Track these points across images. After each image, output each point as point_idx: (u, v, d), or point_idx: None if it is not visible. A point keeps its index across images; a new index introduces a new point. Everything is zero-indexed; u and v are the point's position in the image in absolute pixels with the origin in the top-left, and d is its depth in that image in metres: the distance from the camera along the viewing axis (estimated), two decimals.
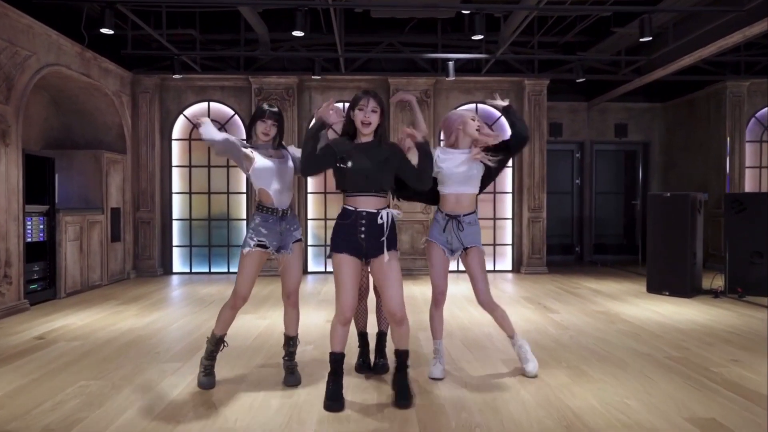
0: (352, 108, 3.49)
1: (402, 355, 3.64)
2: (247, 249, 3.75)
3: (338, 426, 3.24)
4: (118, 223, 9.27)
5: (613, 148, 12.62)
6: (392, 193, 3.90)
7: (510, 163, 10.58)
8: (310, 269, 10.33)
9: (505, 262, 10.64)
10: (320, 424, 3.26)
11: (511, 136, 4.10)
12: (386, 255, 3.46)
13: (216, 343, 3.98)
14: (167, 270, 10.26)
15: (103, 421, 3.27)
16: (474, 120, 4.05)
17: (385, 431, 3.16)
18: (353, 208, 3.46)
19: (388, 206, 3.57)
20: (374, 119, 3.46)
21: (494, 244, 10.60)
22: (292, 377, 3.97)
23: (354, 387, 3.94)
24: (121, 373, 4.22)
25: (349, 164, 3.40)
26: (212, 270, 10.33)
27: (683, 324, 5.93)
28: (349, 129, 3.55)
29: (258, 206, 3.81)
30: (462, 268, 10.23)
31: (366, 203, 3.45)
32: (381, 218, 3.44)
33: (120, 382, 3.98)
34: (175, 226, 10.35)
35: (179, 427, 3.19)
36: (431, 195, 4.10)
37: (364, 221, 3.43)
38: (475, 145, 4.02)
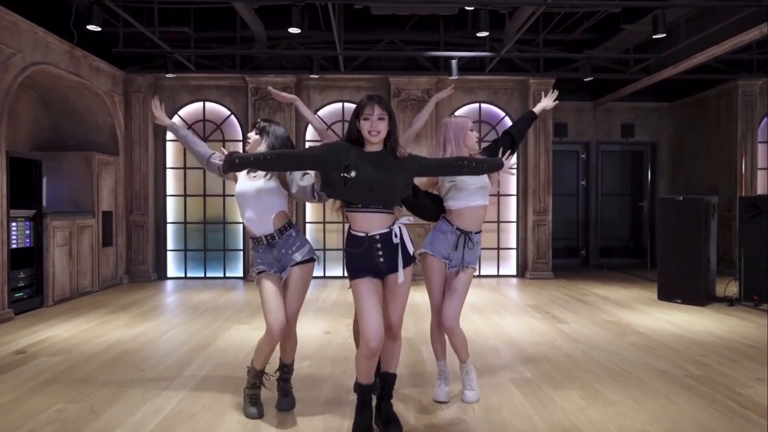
0: (356, 117, 3.12)
1: (390, 379, 3.33)
2: (255, 278, 3.55)
3: None
4: (110, 227, 8.97)
5: (619, 148, 12.31)
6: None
7: (514, 164, 10.30)
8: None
9: (510, 266, 10.33)
10: None
11: (516, 139, 3.93)
12: (401, 274, 3.13)
13: (256, 375, 3.60)
14: (161, 275, 9.96)
15: None
16: (473, 130, 3.79)
17: None
18: (363, 234, 3.09)
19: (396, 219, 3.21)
20: (382, 128, 3.07)
21: (498, 248, 10.30)
22: (285, 400, 3.65)
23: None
24: (102, 394, 3.91)
25: (353, 174, 2.99)
26: (208, 275, 10.03)
27: (700, 336, 5.62)
28: (352, 136, 3.16)
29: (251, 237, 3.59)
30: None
31: (375, 223, 3.08)
32: (396, 236, 3.11)
33: (99, 405, 3.68)
34: (170, 229, 10.05)
35: None
36: (435, 210, 3.80)
37: (380, 245, 3.10)
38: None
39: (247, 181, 3.49)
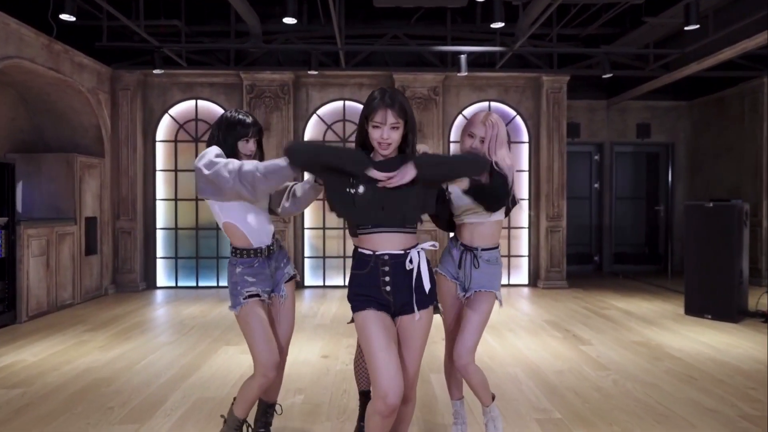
0: (365, 119, 2.46)
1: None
2: (238, 308, 2.85)
3: None
4: (94, 234, 8.37)
5: (634, 149, 11.69)
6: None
7: (526, 167, 9.72)
8: (306, 283, 9.43)
9: (521, 275, 9.72)
10: None
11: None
12: (417, 313, 2.46)
13: (237, 427, 2.98)
14: (150, 284, 9.36)
15: None
16: (472, 136, 3.05)
17: None
18: (370, 252, 2.46)
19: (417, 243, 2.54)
20: (395, 138, 2.43)
21: (509, 256, 9.69)
22: None
23: None
24: None
25: (361, 189, 2.38)
26: (200, 284, 9.43)
27: (743, 362, 5.01)
28: (360, 139, 2.54)
29: (233, 251, 2.90)
30: None
31: (387, 243, 2.44)
32: (410, 262, 2.44)
33: None
34: (159, 235, 9.44)
35: None
36: (448, 221, 3.17)
37: (387, 268, 2.43)
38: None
39: None
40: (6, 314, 6.48)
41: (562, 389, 4.31)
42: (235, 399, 2.96)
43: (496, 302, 3.06)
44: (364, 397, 3.36)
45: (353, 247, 2.81)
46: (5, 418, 3.71)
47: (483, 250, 3.04)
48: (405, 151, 2.50)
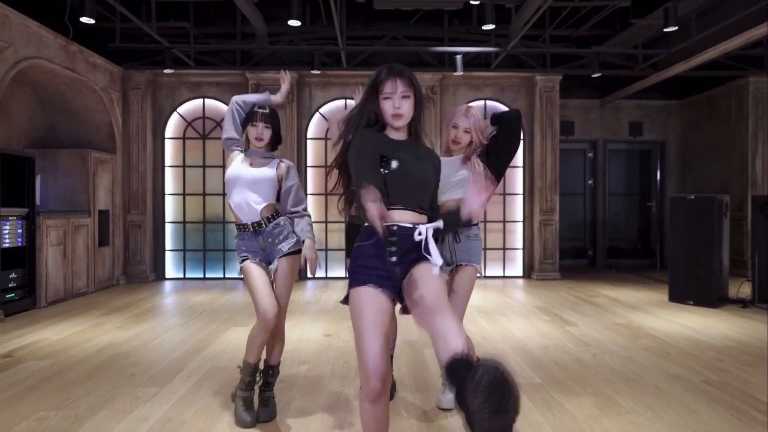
0: (374, 92, 2.38)
1: None
2: (239, 267, 3.39)
3: None
4: (106, 226, 8.77)
5: (627, 147, 12.07)
6: None
7: (520, 162, 10.10)
8: (309, 274, 9.80)
9: (516, 267, 10.10)
10: None
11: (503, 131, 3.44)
12: (436, 258, 2.31)
13: (251, 372, 3.38)
14: (159, 275, 9.76)
15: None
16: (455, 127, 3.43)
17: None
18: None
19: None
20: (407, 109, 2.36)
21: (504, 249, 10.07)
22: (265, 411, 3.40)
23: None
24: (89, 400, 3.71)
25: (394, 165, 2.29)
26: (207, 275, 9.83)
27: (715, 339, 5.39)
28: (370, 117, 2.42)
29: (235, 225, 3.45)
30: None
31: (398, 217, 2.32)
32: (419, 233, 2.32)
33: (84, 413, 3.47)
34: (168, 229, 9.85)
35: None
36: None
37: (395, 238, 2.29)
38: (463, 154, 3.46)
39: (242, 166, 3.34)
40: (26, 299, 6.88)
41: (545, 361, 4.69)
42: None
43: (477, 275, 3.45)
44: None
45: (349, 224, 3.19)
46: (39, 383, 4.10)
47: (463, 226, 3.33)
48: (413, 132, 2.45)
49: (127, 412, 3.51)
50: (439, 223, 2.40)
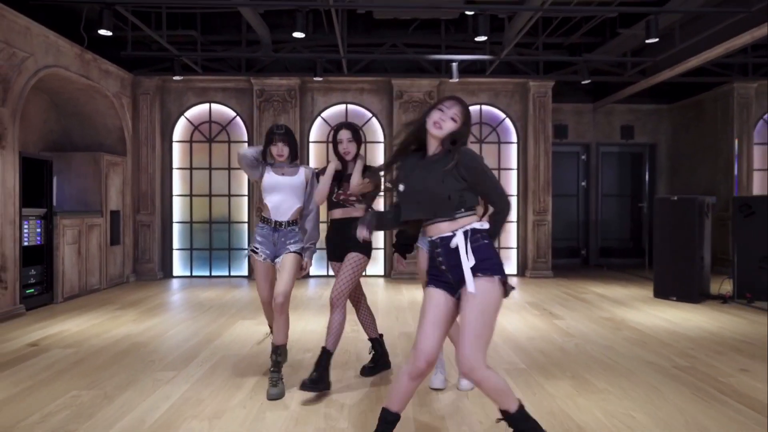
0: (432, 107, 2.78)
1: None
2: (249, 250, 4.13)
3: None
4: (117, 226, 9.17)
5: (619, 150, 12.47)
6: None
7: (514, 165, 10.50)
8: (312, 272, 10.22)
9: (510, 266, 10.49)
10: None
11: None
12: (470, 285, 2.60)
13: (274, 351, 4.01)
14: (167, 273, 10.16)
15: None
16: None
17: None
18: (428, 237, 2.78)
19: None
20: (449, 126, 2.71)
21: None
22: (274, 390, 3.83)
23: (354, 397, 3.82)
24: (114, 382, 4.11)
25: (401, 188, 2.77)
26: (213, 273, 10.23)
27: (691, 331, 5.79)
28: (420, 135, 2.82)
29: (259, 214, 4.02)
30: None
31: (436, 230, 2.71)
32: (453, 243, 2.65)
33: (112, 392, 3.87)
34: (176, 229, 10.26)
35: None
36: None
37: (440, 249, 2.70)
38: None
39: (276, 176, 4.03)
40: (45, 295, 7.28)
41: (530, 349, 5.09)
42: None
43: None
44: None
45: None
46: (66, 368, 4.49)
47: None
48: (447, 143, 2.73)
49: (149, 391, 3.91)
50: (477, 224, 2.69)
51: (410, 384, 2.68)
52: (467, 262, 2.61)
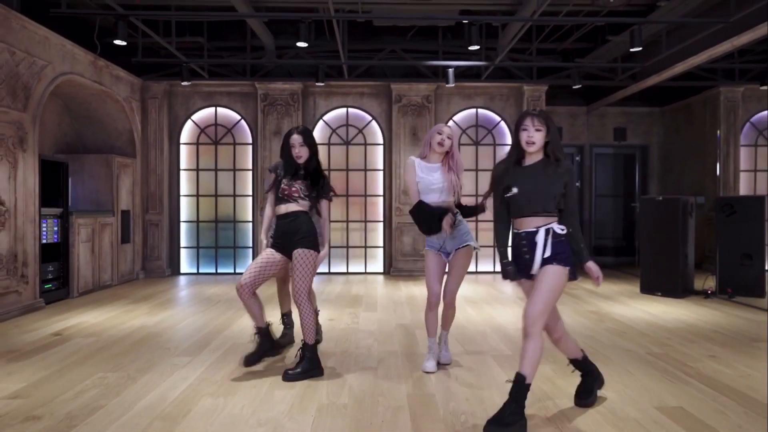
0: (516, 130, 3.42)
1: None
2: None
3: (335, 413, 3.52)
4: (127, 225, 9.57)
5: (612, 151, 12.86)
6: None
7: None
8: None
9: None
10: (319, 412, 3.54)
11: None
12: (536, 267, 3.37)
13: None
14: (175, 270, 10.57)
15: (121, 408, 3.56)
16: (440, 133, 4.34)
17: (379, 419, 3.43)
18: (516, 231, 3.47)
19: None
20: (538, 138, 3.34)
21: (494, 246, 10.85)
22: (282, 339, 5.08)
23: (353, 378, 4.21)
24: (136, 366, 4.51)
25: (514, 191, 3.37)
26: (219, 271, 10.63)
27: (670, 323, 6.19)
28: (516, 152, 3.44)
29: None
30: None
31: (528, 224, 3.39)
32: (537, 237, 3.36)
33: (135, 374, 4.27)
34: (183, 227, 10.66)
35: (191, 414, 3.47)
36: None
37: (525, 241, 3.41)
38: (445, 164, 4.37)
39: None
40: (61, 290, 7.68)
41: (517, 338, 5.46)
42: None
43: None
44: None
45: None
46: (90, 354, 4.89)
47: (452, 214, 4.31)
48: (548, 154, 3.39)
49: (168, 373, 4.31)
50: (557, 227, 3.38)
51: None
52: (542, 250, 3.35)
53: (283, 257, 4.40)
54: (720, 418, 3.42)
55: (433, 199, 4.31)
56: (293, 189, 4.33)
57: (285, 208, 4.37)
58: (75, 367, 4.49)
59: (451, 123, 10.76)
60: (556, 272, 3.33)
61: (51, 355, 4.86)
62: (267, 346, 4.62)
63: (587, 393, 3.69)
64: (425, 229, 4.38)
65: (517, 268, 3.47)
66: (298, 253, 4.31)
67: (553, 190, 3.35)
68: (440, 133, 4.34)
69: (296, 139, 4.34)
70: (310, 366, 4.26)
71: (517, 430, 3.20)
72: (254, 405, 3.65)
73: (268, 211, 4.50)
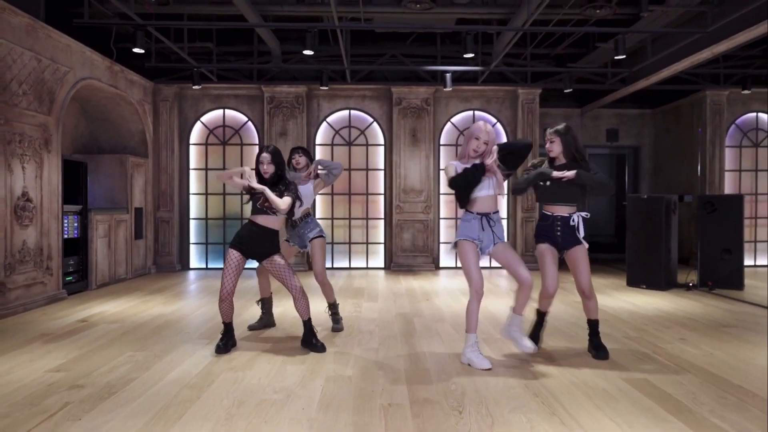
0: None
1: (594, 324, 4.82)
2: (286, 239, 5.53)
3: (340, 382, 4.00)
4: (140, 221, 10.06)
5: (605, 152, 13.34)
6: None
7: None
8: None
9: None
10: (327, 382, 4.02)
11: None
12: (579, 248, 4.69)
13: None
14: (185, 266, 11.06)
15: (152, 380, 4.05)
16: (478, 138, 4.39)
17: (380, 387, 3.91)
18: (550, 213, 4.71)
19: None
20: (554, 148, 4.67)
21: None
22: (337, 325, 5.78)
23: (357, 356, 4.69)
24: (160, 346, 5.00)
25: (548, 183, 4.65)
26: None
27: (650, 312, 6.67)
28: (548, 158, 4.78)
29: None
30: (446, 264, 10.99)
31: (559, 210, 4.69)
32: (573, 221, 4.67)
33: (160, 353, 4.76)
34: (192, 225, 11.15)
35: (214, 384, 3.96)
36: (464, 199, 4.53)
37: (559, 223, 4.67)
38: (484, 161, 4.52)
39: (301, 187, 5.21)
40: (81, 282, 8.18)
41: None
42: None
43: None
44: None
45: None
46: (117, 337, 5.38)
47: (493, 213, 4.53)
48: (570, 157, 4.69)
49: (190, 352, 4.80)
50: (586, 214, 4.78)
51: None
52: (580, 233, 4.69)
53: (244, 258, 5.06)
54: (678, 387, 3.90)
55: (482, 194, 4.44)
56: (267, 206, 4.80)
57: (263, 220, 4.89)
58: (105, 347, 4.98)
59: (449, 124, 11.25)
60: (585, 251, 4.70)
61: (82, 338, 5.35)
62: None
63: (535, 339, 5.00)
64: (475, 178, 4.39)
65: (541, 236, 4.74)
66: (278, 259, 5.02)
67: (573, 184, 4.58)
68: (477, 139, 4.38)
69: (265, 157, 4.82)
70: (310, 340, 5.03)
71: (604, 353, 4.63)
72: (270, 377, 4.13)
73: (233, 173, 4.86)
